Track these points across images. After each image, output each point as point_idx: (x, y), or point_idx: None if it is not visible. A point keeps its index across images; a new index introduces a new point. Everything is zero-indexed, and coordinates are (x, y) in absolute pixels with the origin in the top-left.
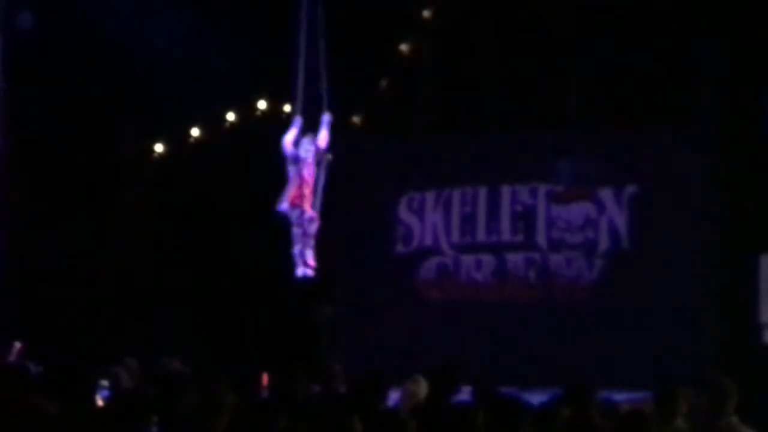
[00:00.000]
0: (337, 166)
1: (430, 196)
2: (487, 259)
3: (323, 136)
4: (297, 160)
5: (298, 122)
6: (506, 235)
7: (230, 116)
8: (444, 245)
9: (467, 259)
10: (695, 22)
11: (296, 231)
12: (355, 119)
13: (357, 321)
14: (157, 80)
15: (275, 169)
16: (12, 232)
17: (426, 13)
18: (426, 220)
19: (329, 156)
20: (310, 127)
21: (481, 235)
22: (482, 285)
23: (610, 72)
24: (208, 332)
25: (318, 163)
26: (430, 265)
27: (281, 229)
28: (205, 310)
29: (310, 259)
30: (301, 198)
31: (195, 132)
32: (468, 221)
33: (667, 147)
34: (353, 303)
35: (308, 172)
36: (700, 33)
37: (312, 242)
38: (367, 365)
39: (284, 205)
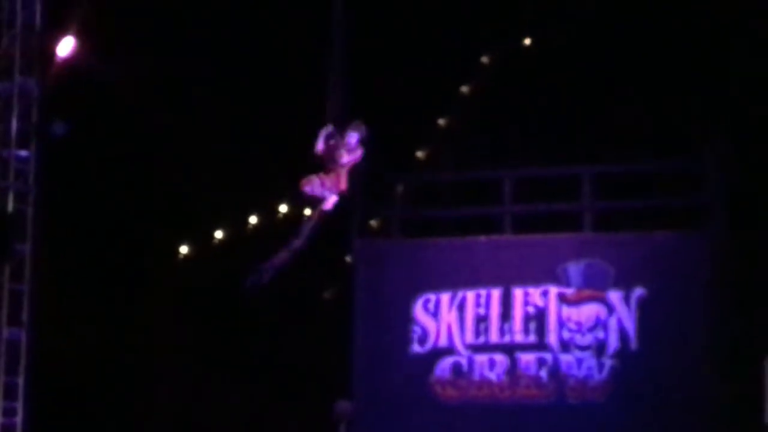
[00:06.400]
0: (356, 269)
1: (445, 297)
2: (500, 358)
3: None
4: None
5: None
6: (518, 336)
7: (252, 219)
8: (458, 345)
9: (481, 359)
10: (702, 126)
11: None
12: (373, 223)
13: (375, 419)
14: (182, 185)
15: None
16: (41, 329)
17: (441, 121)
18: (441, 321)
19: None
20: None
21: (494, 336)
22: (495, 384)
23: (619, 178)
24: (230, 427)
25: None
26: (445, 364)
27: (302, 328)
28: (227, 404)
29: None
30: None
31: (219, 234)
32: (481, 322)
33: (674, 251)
34: (372, 401)
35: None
36: (707, 138)
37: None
38: None
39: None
